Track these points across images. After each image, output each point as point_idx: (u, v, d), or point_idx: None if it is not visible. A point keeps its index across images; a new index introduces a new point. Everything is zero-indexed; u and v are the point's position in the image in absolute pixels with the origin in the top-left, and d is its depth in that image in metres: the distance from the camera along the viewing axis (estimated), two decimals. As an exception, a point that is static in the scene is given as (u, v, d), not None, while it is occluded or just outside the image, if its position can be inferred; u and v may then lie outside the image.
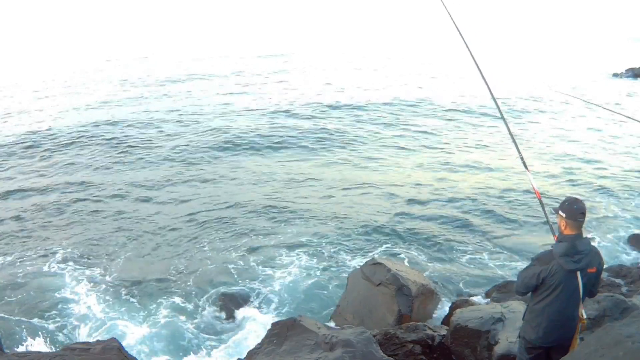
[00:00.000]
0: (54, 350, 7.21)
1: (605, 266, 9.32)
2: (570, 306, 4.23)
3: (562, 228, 4.22)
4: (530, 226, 12.14)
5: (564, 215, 4.17)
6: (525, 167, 5.26)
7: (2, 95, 27.51)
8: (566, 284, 4.16)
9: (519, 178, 14.93)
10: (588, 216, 4.58)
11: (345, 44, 54.21)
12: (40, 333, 8.34)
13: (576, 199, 4.28)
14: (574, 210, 4.14)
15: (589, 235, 10.77)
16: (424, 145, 18.39)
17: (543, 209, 4.96)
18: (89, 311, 8.88)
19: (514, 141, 5.67)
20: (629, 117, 12.74)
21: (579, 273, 4.14)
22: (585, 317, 4.30)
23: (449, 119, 22.34)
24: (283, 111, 22.50)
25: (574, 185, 14.70)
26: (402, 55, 45.25)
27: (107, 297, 9.25)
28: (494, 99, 5.88)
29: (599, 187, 14.54)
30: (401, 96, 26.03)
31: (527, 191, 13.95)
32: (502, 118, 6.00)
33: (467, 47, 6.11)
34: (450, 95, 26.67)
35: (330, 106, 23.58)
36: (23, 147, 17.92)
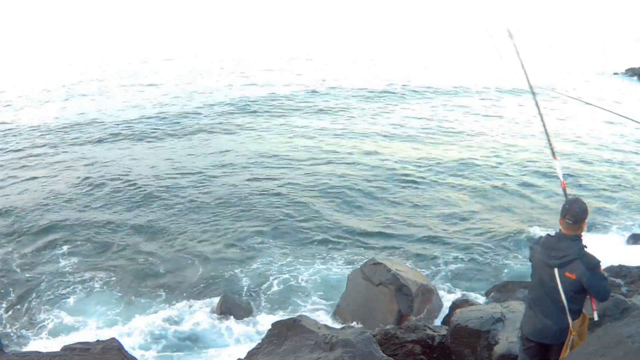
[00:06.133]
0: (54, 350, 7.21)
1: (605, 266, 9.32)
2: (550, 301, 4.18)
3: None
4: (536, 223, 12.13)
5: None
6: (553, 154, 4.91)
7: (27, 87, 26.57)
8: (544, 278, 4.19)
9: (525, 174, 14.98)
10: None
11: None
12: (40, 333, 8.37)
13: (574, 200, 4.21)
14: (564, 208, 4.11)
15: (589, 234, 10.76)
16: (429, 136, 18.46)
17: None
18: (89, 311, 8.90)
19: (544, 126, 5.16)
20: (629, 118, 12.67)
21: (556, 271, 4.09)
22: (573, 329, 4.16)
23: (459, 106, 22.39)
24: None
25: (572, 184, 14.70)
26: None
27: (108, 297, 9.27)
28: (530, 86, 5.46)
29: (599, 187, 14.55)
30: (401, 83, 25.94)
31: (535, 186, 13.99)
32: (536, 104, 5.33)
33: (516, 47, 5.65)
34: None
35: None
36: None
